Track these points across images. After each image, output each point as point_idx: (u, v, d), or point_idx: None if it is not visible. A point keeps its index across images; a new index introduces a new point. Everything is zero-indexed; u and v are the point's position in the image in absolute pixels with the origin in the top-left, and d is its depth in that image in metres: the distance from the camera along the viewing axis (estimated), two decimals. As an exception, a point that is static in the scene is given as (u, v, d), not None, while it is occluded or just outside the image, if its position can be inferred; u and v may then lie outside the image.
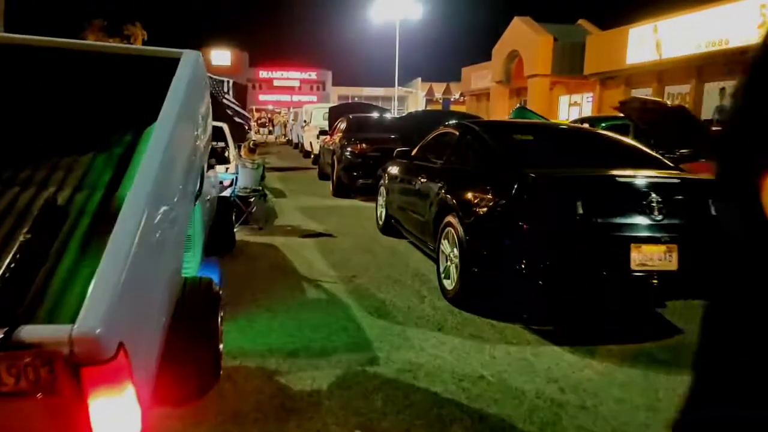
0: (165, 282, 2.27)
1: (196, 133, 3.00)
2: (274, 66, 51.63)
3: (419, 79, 43.75)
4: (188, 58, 3.02)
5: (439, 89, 37.10)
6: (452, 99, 32.98)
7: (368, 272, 5.47)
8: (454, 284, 4.56)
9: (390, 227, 6.95)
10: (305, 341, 3.74)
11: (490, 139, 5.20)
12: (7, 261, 1.99)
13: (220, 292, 3.03)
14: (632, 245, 3.74)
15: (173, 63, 2.96)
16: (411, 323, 4.18)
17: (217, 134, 8.15)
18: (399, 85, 32.17)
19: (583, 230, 3.82)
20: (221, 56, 46.19)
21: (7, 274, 1.94)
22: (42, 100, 3.00)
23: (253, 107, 41.85)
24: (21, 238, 2.11)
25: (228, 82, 12.09)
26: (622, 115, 9.07)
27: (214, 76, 11.37)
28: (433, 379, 3.28)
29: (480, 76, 30.60)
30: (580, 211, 3.81)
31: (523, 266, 3.87)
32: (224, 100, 10.06)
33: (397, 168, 6.69)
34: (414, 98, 38.72)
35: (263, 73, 51.02)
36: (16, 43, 2.90)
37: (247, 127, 11.00)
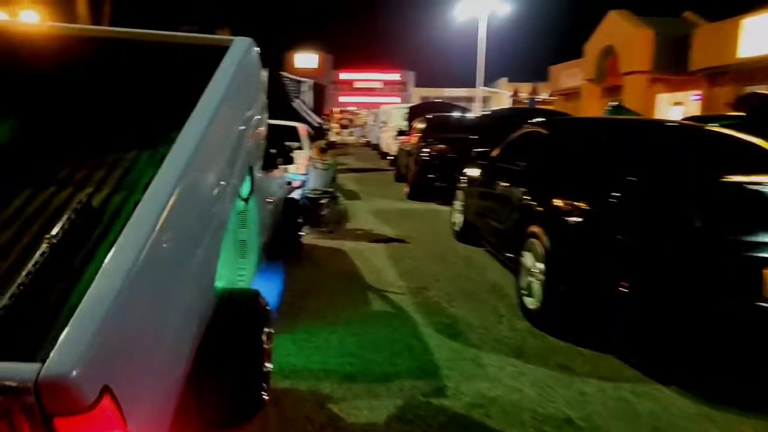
0: (189, 298, 1.95)
1: (242, 127, 2.69)
2: (357, 68, 52.15)
3: (505, 79, 42.33)
4: (238, 45, 2.72)
5: (525, 89, 35.70)
6: (539, 99, 31.55)
7: (440, 284, 5.00)
8: (537, 303, 4.00)
9: (466, 234, 6.43)
10: (365, 362, 3.34)
11: (584, 138, 4.56)
12: (24, 273, 1.75)
13: (268, 307, 2.70)
14: (766, 269, 3.01)
15: (223, 52, 2.68)
16: (486, 346, 3.67)
17: (291, 134, 8.02)
18: (483, 86, 31.19)
19: (702, 248, 3.13)
20: (308, 59, 47.36)
21: (20, 288, 1.69)
22: (86, 92, 2.82)
23: (335, 109, 42.42)
24: (44, 245, 1.87)
25: (307, 82, 12.08)
26: (736, 114, 7.94)
27: (293, 77, 11.37)
28: (510, 419, 2.77)
29: (569, 75, 29.00)
30: (698, 224, 3.13)
31: (623, 289, 3.25)
32: (294, 102, 9.94)
33: (476, 170, 6.16)
34: (498, 99, 37.48)
35: (344, 75, 51.62)
36: (59, 33, 2.74)
37: (313, 130, 10.84)
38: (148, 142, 2.62)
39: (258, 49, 3.07)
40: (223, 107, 2.36)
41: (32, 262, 1.81)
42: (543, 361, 3.48)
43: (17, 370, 1.18)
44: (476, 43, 28.76)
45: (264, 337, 2.61)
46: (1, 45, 2.76)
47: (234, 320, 2.38)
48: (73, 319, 1.30)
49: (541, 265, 3.93)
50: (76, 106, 2.79)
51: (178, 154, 1.94)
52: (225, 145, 2.43)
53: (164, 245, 1.69)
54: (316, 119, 10.92)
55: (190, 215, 1.94)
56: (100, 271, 1.45)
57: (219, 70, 2.52)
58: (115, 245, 1.55)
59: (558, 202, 3.97)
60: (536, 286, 4.01)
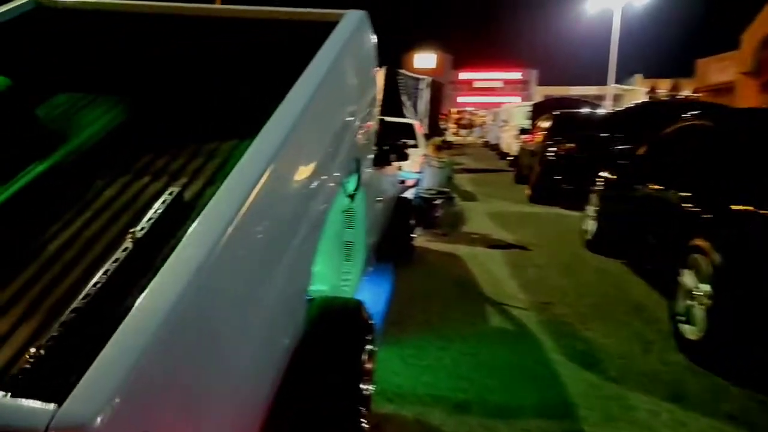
0: (272, 313, 1.62)
1: (348, 114, 2.34)
2: (477, 67, 51.15)
3: (640, 75, 38.84)
4: (348, 20, 2.39)
5: (663, 85, 32.44)
6: (680, 96, 28.44)
7: (569, 299, 4.34)
8: (698, 332, 3.24)
9: (600, 243, 5.63)
10: (480, 390, 2.86)
11: (763, 131, 3.67)
12: (102, 271, 1.53)
13: (371, 321, 2.33)
14: None
15: (332, 27, 2.36)
16: (631, 382, 3.01)
17: (407, 131, 7.69)
18: (615, 83, 28.75)
19: None
20: (426, 59, 47.39)
21: (95, 288, 1.47)
22: (188, 75, 2.65)
23: (452, 109, 41.85)
24: (127, 241, 1.65)
25: (424, 80, 11.76)
26: None
27: (411, 74, 11.11)
28: (671, 488, 2.14)
29: (720, 69, 25.82)
30: None
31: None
32: (401, 99, 9.59)
33: (617, 171, 5.36)
34: (632, 96, 34.37)
35: (463, 75, 50.94)
36: (151, 12, 2.58)
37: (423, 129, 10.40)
38: (250, 128, 2.37)
39: (373, 33, 2.72)
40: (326, 89, 2.03)
41: (112, 259, 1.59)
42: (709, 408, 2.76)
43: (24, 413, 0.89)
44: (608, 38, 26.63)
45: (365, 356, 2.24)
46: (106, 26, 2.68)
47: (330, 337, 2.03)
48: (109, 344, 1.00)
49: (705, 287, 3.17)
50: (177, 90, 2.63)
51: (265, 141, 1.63)
52: (325, 132, 2.10)
53: (240, 248, 1.37)
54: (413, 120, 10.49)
55: (276, 212, 1.61)
56: (152, 281, 1.15)
57: (324, 48, 2.19)
58: (176, 249, 1.25)
59: (732, 210, 3.18)
60: (698, 312, 3.25)
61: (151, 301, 1.09)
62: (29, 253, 1.79)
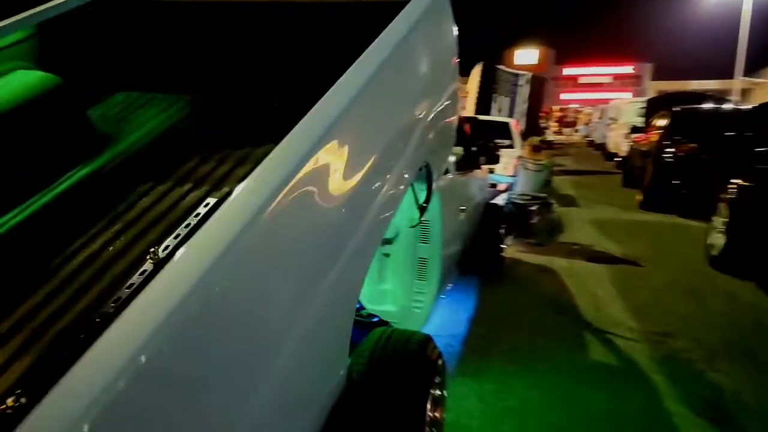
0: (294, 360, 1.28)
1: (415, 115, 1.95)
2: (582, 62, 48.54)
3: (774, 66, 34.60)
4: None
5: (803, 76, 28.53)
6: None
7: (691, 330, 3.63)
8: None
9: (731, 261, 4.77)
10: (577, 445, 2.35)
11: None
12: (111, 301, 1.32)
13: (441, 360, 1.93)
14: None
15: (399, 8, 2.00)
16: (779, 451, 2.34)
17: (502, 130, 7.14)
18: (743, 76, 25.69)
19: None
20: (528, 55, 45.79)
21: (100, 322, 1.26)
22: (246, 68, 2.40)
23: (554, 107, 39.89)
24: (147, 262, 1.42)
25: (524, 76, 11.04)
26: None
27: (509, 70, 10.48)
28: None
29: None
30: None
31: None
32: (490, 96, 8.94)
33: (754, 177, 4.49)
34: (763, 90, 30.68)
35: (567, 71, 48.64)
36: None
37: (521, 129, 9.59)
38: None
39: (452, 17, 2.30)
40: (381, 81, 1.66)
41: (126, 284, 1.36)
42: None
43: None
44: (734, 26, 23.83)
45: (430, 404, 1.84)
46: (166, 18, 2.51)
47: (387, 382, 1.66)
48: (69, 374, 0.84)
49: None
50: (234, 85, 2.40)
51: (296, 140, 1.30)
52: (383, 129, 1.73)
53: (249, 270, 1.07)
54: (501, 119, 9.74)
55: (305, 226, 1.27)
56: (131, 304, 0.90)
57: (386, 32, 1.83)
58: (161, 270, 0.99)
59: None
60: None
61: (119, 335, 0.82)
62: (45, 272, 1.60)
